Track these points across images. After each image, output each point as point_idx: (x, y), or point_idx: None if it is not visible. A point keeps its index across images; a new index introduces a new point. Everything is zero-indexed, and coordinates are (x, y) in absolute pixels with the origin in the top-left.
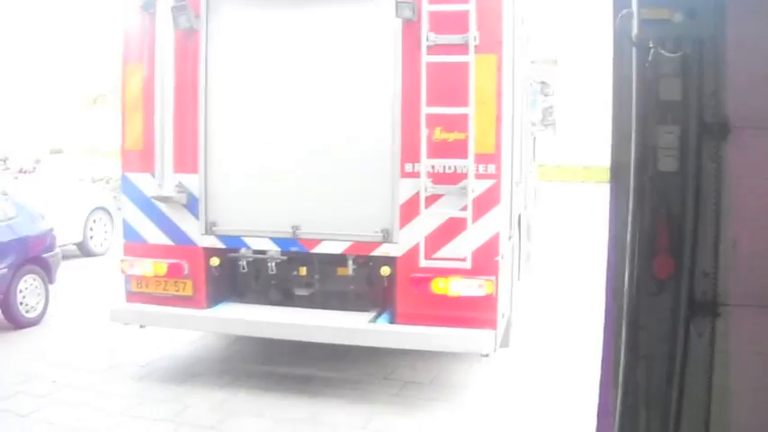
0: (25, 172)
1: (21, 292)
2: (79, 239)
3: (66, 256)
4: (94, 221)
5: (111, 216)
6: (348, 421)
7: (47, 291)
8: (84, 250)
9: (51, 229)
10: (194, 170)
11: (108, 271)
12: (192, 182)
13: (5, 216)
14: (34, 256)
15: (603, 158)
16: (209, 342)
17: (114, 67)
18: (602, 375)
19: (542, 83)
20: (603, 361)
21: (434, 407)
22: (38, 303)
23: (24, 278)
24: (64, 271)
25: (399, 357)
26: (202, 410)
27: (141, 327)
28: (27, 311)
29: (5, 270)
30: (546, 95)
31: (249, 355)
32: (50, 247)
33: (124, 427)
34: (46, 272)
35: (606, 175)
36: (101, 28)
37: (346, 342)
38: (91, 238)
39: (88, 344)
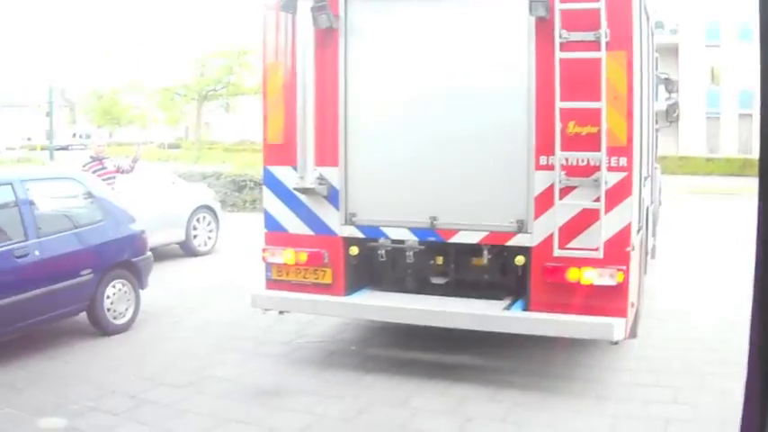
0: (123, 171)
1: (108, 297)
2: (182, 239)
3: (169, 257)
4: (198, 220)
5: (215, 214)
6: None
7: (137, 296)
8: (187, 250)
9: (142, 232)
10: (335, 163)
11: (210, 271)
12: (333, 174)
13: (91, 220)
14: (123, 261)
15: (728, 149)
16: (300, 355)
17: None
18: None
19: (666, 79)
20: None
21: (569, 399)
22: (127, 309)
23: (113, 283)
24: (163, 272)
25: (530, 348)
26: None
27: (280, 313)
28: (115, 318)
29: (91, 275)
30: (670, 92)
31: (381, 344)
32: (141, 251)
33: None
34: (136, 276)
35: (732, 167)
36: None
37: (482, 328)
38: (195, 237)
39: (176, 355)
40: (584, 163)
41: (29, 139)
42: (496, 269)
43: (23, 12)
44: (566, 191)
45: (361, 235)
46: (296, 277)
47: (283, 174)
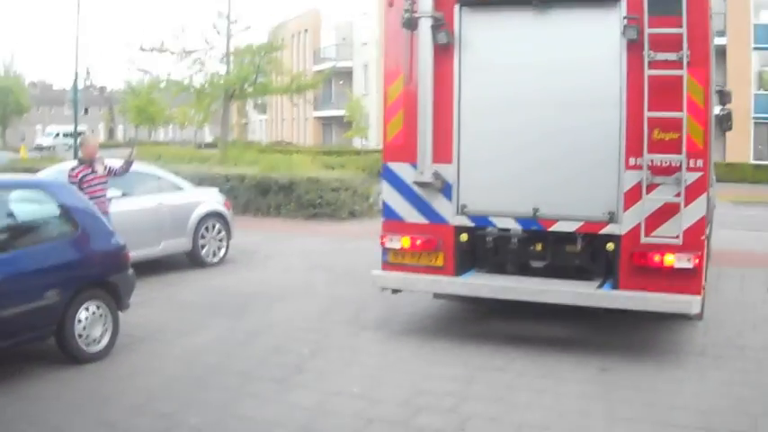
0: (114, 174)
1: (80, 321)
2: (188, 248)
3: (173, 268)
4: (206, 229)
5: (226, 222)
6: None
7: (114, 319)
8: (194, 260)
9: (122, 247)
10: (449, 161)
11: (213, 285)
12: (447, 170)
13: (60, 233)
14: (98, 279)
15: None
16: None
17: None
18: None
19: (720, 91)
20: None
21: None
22: (102, 335)
23: (85, 305)
24: (161, 286)
25: (612, 326)
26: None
27: (394, 292)
28: (88, 345)
29: (57, 296)
30: (724, 104)
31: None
32: (120, 268)
33: None
34: (113, 297)
35: None
36: None
37: (580, 303)
38: (202, 247)
39: (151, 392)
40: (667, 164)
41: (63, 134)
42: (588, 255)
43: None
44: (651, 187)
45: (471, 224)
46: (411, 261)
47: (402, 169)
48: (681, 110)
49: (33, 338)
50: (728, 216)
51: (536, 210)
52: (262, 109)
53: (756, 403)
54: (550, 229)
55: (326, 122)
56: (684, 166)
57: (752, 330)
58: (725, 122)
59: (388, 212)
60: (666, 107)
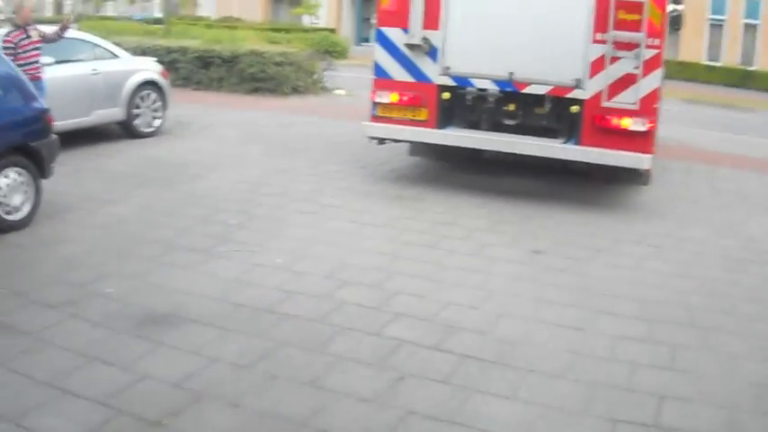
0: (48, 40)
1: (0, 189)
2: (122, 118)
3: (105, 138)
4: (141, 98)
5: (162, 92)
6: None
7: (37, 187)
8: (128, 130)
9: (45, 111)
10: (436, 27)
11: (146, 156)
12: (434, 36)
13: None
14: (18, 145)
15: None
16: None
17: None
18: None
19: None
20: None
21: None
22: (23, 203)
23: (4, 172)
24: (92, 156)
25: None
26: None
27: (380, 143)
28: (8, 213)
29: None
30: (676, 3)
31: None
32: (42, 133)
33: None
34: (36, 164)
35: (732, 77)
36: None
37: (547, 155)
38: (137, 117)
39: (67, 262)
40: (629, 40)
41: None
42: (554, 116)
43: None
44: (614, 59)
45: (453, 84)
46: (397, 114)
47: (393, 33)
48: None
49: None
50: (678, 113)
51: (511, 73)
52: None
53: (695, 296)
54: (523, 91)
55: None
56: (644, 44)
57: (694, 223)
58: (675, 23)
59: (379, 71)
60: None
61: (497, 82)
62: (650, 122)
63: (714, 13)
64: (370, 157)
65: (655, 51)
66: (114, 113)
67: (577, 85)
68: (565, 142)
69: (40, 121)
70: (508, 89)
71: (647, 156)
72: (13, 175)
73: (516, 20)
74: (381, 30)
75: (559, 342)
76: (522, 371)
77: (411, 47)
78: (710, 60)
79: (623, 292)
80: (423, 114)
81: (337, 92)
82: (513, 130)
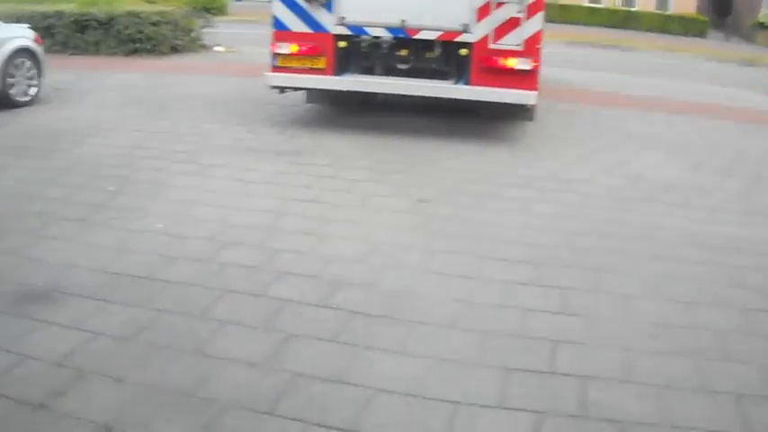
0: None
1: None
2: None
3: None
4: (15, 66)
5: (37, 59)
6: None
7: None
8: (3, 100)
9: None
10: None
11: (20, 126)
12: None
13: None
14: None
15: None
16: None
17: None
18: None
19: None
20: None
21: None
22: None
23: None
24: None
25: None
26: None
27: (281, 92)
28: None
29: None
30: None
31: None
32: None
33: None
34: None
35: (613, 19)
36: None
37: (439, 95)
38: (11, 86)
39: None
40: None
41: None
42: (444, 59)
43: None
44: (498, 5)
45: (348, 32)
46: (297, 64)
47: None
48: None
49: None
50: (562, 55)
51: (403, 21)
52: None
53: (582, 238)
54: (415, 37)
55: None
56: None
57: (578, 164)
58: None
59: (278, 24)
60: None
61: (390, 29)
62: (534, 62)
63: None
64: (252, 114)
65: None
66: None
67: (465, 29)
68: (455, 83)
69: None
70: (400, 36)
71: (533, 92)
72: None
73: None
74: None
75: (448, 292)
76: (411, 324)
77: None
78: (592, 2)
79: (510, 237)
80: (321, 63)
81: (216, 48)
82: (406, 74)
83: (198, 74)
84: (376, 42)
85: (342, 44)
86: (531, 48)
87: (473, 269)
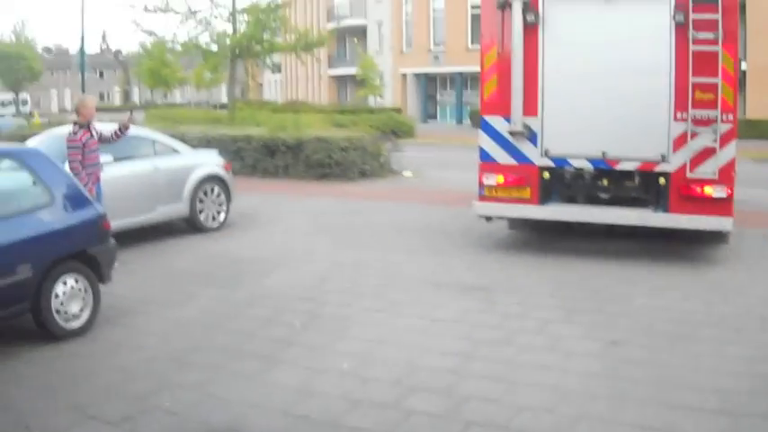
0: (105, 141)
1: (57, 296)
2: (186, 214)
3: (171, 233)
4: (205, 192)
5: (226, 185)
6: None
7: (95, 293)
8: (193, 225)
9: (101, 217)
10: (535, 114)
11: (211, 252)
12: (533, 122)
13: (33, 204)
14: (76, 252)
15: None
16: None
17: None
18: None
19: None
20: None
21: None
22: (83, 310)
23: (62, 279)
24: (156, 253)
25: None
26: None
27: (488, 220)
28: (67, 320)
29: (29, 272)
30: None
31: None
32: (100, 239)
33: None
34: (94, 270)
35: None
36: None
37: (640, 223)
38: (201, 211)
39: (126, 372)
40: (706, 117)
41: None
42: (643, 188)
43: None
44: (693, 135)
45: (552, 164)
46: (503, 194)
47: (496, 121)
48: (717, 76)
49: (8, 315)
50: (752, 174)
51: (604, 152)
52: (276, 68)
53: None
54: (615, 168)
55: (341, 81)
56: (719, 119)
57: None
58: None
59: (485, 156)
60: (706, 74)
61: (592, 161)
62: (729, 189)
63: None
64: (439, 244)
65: (729, 125)
66: (178, 209)
67: (663, 159)
68: (654, 211)
69: (96, 226)
70: (602, 166)
71: (730, 218)
72: (70, 282)
73: (605, 104)
74: (485, 118)
75: None
76: None
77: (513, 133)
78: None
79: (704, 383)
80: (526, 193)
81: (405, 173)
82: (607, 202)
83: (386, 200)
84: (579, 173)
85: (546, 175)
86: (726, 175)
87: (665, 421)
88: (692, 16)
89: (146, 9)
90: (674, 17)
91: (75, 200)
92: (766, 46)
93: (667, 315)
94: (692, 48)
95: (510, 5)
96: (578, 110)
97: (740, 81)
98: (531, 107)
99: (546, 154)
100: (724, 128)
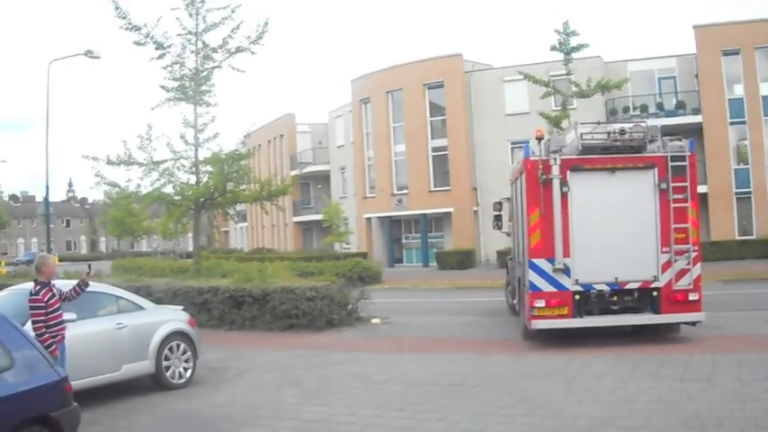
0: (65, 299)
1: None
2: (152, 371)
3: (137, 391)
4: (170, 349)
5: (191, 341)
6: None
7: None
8: (159, 383)
9: (63, 379)
10: (568, 255)
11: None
12: (567, 261)
13: None
14: (37, 416)
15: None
16: None
17: None
18: None
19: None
20: None
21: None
22: None
23: None
24: (124, 412)
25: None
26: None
27: (542, 332)
28: None
29: None
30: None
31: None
32: (62, 402)
33: None
34: None
35: None
36: None
37: (642, 323)
38: (167, 368)
39: None
40: (682, 249)
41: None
42: (639, 299)
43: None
44: (674, 261)
45: (581, 289)
46: (547, 313)
47: (541, 262)
48: (688, 222)
49: None
50: (721, 297)
51: (616, 278)
52: (240, 218)
53: None
54: (624, 288)
55: (306, 227)
56: (691, 250)
57: (754, 428)
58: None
59: (533, 287)
60: (681, 221)
61: (608, 284)
62: (699, 294)
63: (738, 186)
64: (411, 398)
65: (696, 253)
66: (144, 367)
67: (655, 279)
68: (652, 314)
69: (58, 389)
70: (615, 288)
71: (701, 313)
72: None
73: (614, 245)
74: (533, 261)
75: None
76: None
77: (556, 270)
78: (742, 235)
79: None
80: (564, 311)
81: (374, 321)
82: (616, 312)
83: (355, 351)
84: (600, 293)
85: (577, 297)
86: (696, 285)
87: None
88: (671, 184)
89: (108, 162)
90: (659, 185)
91: (36, 363)
92: (723, 171)
93: None
94: (672, 205)
95: (551, 181)
96: (597, 250)
97: (702, 205)
98: (565, 251)
99: (576, 282)
100: (693, 255)
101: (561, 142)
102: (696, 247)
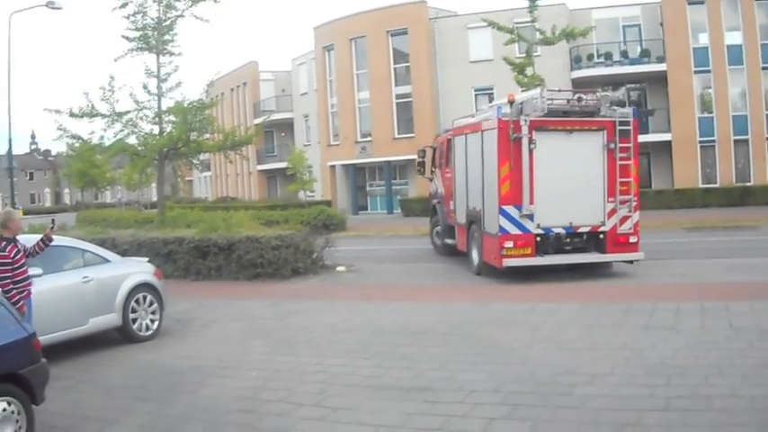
0: (30, 254)
1: None
2: (118, 324)
3: (102, 345)
4: (137, 301)
5: (158, 293)
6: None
7: (28, 415)
8: (126, 335)
9: (31, 336)
10: (532, 203)
11: (141, 364)
12: (532, 207)
13: None
14: (5, 374)
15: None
16: None
17: None
18: None
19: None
20: None
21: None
22: None
23: None
24: (91, 366)
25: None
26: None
27: (509, 268)
28: None
29: None
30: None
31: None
32: (30, 359)
33: None
34: (26, 391)
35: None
36: None
37: (591, 261)
38: (134, 321)
39: None
40: (625, 199)
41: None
42: (588, 241)
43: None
44: (618, 209)
45: (542, 232)
46: (515, 252)
47: (510, 209)
48: (630, 176)
49: None
50: (685, 244)
51: (571, 223)
52: (204, 167)
53: None
54: (577, 231)
55: (270, 175)
56: (633, 200)
57: (718, 376)
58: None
59: (503, 230)
60: (625, 175)
61: (565, 228)
62: (637, 237)
63: (702, 135)
64: (377, 345)
65: (636, 202)
66: (110, 320)
67: (602, 223)
68: (598, 253)
69: (26, 346)
70: (570, 231)
71: (640, 253)
72: (2, 405)
73: (570, 194)
74: (503, 207)
75: None
76: None
77: (522, 216)
78: (705, 183)
79: None
80: (528, 251)
81: (339, 269)
82: (569, 251)
83: (320, 299)
84: (557, 236)
85: (538, 239)
86: (636, 229)
87: None
88: (617, 145)
89: (71, 114)
90: (607, 145)
91: (4, 320)
92: (687, 119)
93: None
94: (618, 162)
95: (521, 139)
96: (555, 199)
97: (666, 153)
98: (531, 199)
99: (539, 226)
100: (633, 204)
101: (534, 106)
102: (636, 198)
